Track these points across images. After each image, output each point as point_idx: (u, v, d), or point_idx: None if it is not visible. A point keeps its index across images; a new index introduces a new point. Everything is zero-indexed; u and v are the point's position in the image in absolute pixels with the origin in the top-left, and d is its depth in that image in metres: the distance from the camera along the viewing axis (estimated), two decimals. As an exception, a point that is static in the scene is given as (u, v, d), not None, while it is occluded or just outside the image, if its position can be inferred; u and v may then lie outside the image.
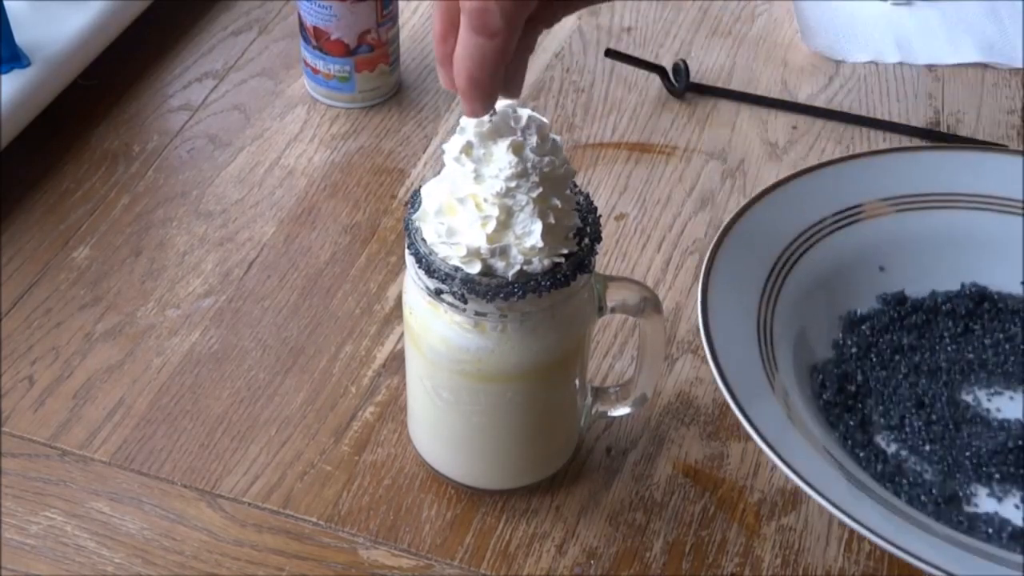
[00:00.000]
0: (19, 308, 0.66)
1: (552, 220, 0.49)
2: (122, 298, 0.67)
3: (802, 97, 0.83)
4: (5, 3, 0.73)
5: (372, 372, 0.64)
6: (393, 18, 0.78)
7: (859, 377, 0.62)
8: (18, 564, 0.55)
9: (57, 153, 0.76)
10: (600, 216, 0.52)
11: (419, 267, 0.50)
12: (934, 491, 0.56)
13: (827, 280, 0.64)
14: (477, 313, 0.50)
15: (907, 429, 0.59)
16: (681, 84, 0.82)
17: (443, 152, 0.50)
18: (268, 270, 0.69)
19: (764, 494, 0.59)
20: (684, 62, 0.82)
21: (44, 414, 0.61)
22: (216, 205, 0.73)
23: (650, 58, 0.84)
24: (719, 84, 0.83)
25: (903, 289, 0.66)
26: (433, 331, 0.52)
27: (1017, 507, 0.57)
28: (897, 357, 0.63)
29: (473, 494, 0.58)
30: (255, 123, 0.79)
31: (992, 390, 0.62)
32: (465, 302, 0.50)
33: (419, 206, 0.51)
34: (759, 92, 0.82)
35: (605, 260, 0.70)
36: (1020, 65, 0.86)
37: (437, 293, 0.50)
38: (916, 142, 0.79)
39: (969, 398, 0.62)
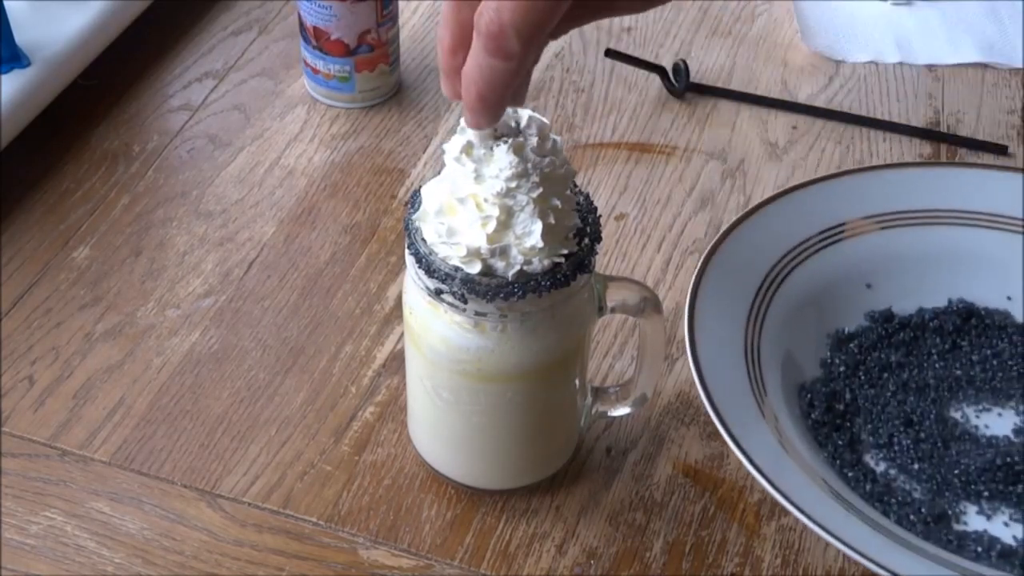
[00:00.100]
0: (19, 308, 0.66)
1: (552, 220, 0.49)
2: (122, 298, 0.67)
3: (802, 97, 0.83)
4: (5, 3, 0.73)
5: (372, 372, 0.64)
6: (393, 18, 0.78)
7: (847, 396, 0.61)
8: (18, 564, 0.55)
9: (57, 153, 0.76)
10: (600, 216, 0.51)
11: (419, 267, 0.50)
12: (923, 510, 0.56)
13: (814, 299, 0.64)
14: (477, 313, 0.50)
15: (896, 447, 0.59)
16: (681, 84, 0.82)
17: (443, 152, 0.49)
18: (268, 270, 0.69)
19: (764, 494, 0.58)
20: (684, 62, 0.82)
21: (44, 414, 0.61)
22: (216, 205, 0.73)
23: (650, 58, 0.84)
24: (719, 84, 0.83)
25: (890, 306, 0.65)
26: (433, 331, 0.52)
27: (1006, 524, 0.57)
28: (885, 375, 0.62)
29: (473, 494, 0.58)
30: (255, 123, 0.79)
31: (980, 407, 0.62)
32: (465, 302, 0.50)
33: (419, 206, 0.51)
34: (759, 92, 0.82)
35: (605, 260, 0.70)
36: (1020, 65, 0.86)
37: (437, 293, 0.50)
38: (916, 142, 0.79)
39: (957, 415, 0.61)
